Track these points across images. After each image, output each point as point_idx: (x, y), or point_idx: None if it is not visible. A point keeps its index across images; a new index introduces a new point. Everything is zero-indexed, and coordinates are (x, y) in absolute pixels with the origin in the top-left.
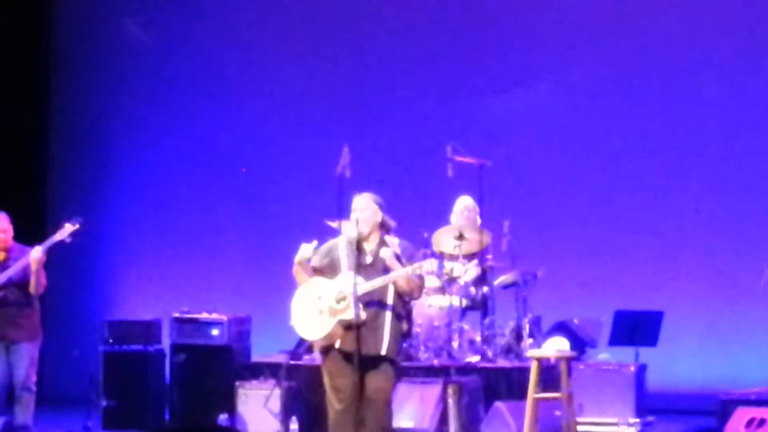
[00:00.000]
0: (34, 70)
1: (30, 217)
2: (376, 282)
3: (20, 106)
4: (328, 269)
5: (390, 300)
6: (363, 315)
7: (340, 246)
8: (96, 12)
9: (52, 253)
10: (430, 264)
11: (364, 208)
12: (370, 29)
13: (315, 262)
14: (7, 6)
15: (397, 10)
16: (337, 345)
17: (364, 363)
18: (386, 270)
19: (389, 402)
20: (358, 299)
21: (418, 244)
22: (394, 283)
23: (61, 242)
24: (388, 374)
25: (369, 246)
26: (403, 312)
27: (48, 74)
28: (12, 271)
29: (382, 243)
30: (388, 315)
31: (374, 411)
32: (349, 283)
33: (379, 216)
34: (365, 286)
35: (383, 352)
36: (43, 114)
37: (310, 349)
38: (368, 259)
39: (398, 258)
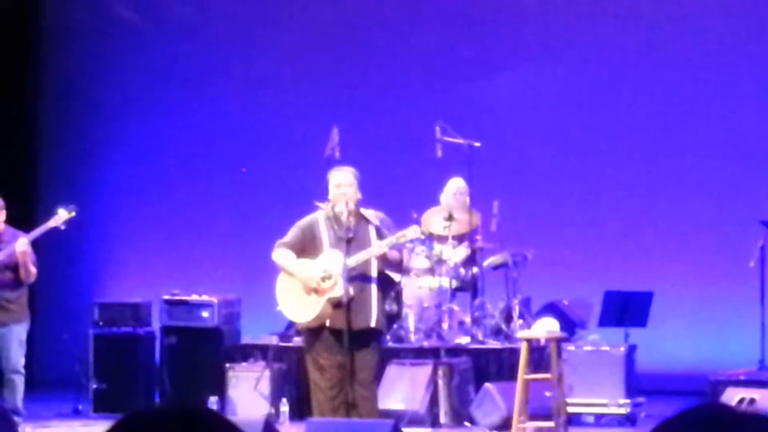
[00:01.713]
0: (22, 53)
1: (19, 200)
2: (361, 255)
3: (9, 89)
4: (311, 245)
5: (373, 273)
6: (351, 291)
7: (320, 223)
8: None
9: (42, 236)
10: (414, 231)
11: (350, 183)
12: (359, 11)
13: (296, 238)
14: None
15: None
16: (327, 324)
17: (354, 339)
18: (368, 244)
19: (374, 381)
20: (344, 274)
21: (407, 225)
22: (377, 258)
23: (56, 229)
24: (377, 351)
25: (347, 220)
26: (391, 291)
27: (36, 57)
28: (2, 255)
29: (361, 217)
30: (373, 288)
31: (366, 392)
32: (334, 261)
33: (358, 191)
34: (351, 260)
35: (372, 324)
36: (32, 97)
37: (299, 331)
38: (348, 234)
39: (378, 231)
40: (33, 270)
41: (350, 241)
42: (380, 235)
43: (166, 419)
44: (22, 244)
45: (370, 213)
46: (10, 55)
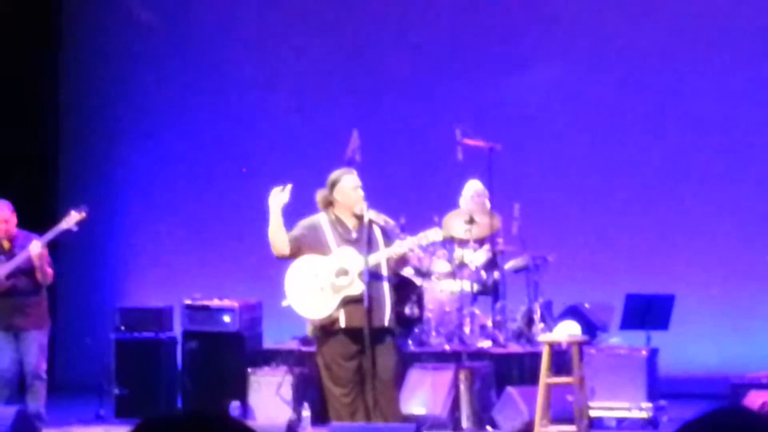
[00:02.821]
0: (41, 59)
1: (40, 205)
2: (382, 254)
3: (30, 95)
4: (316, 245)
5: (386, 272)
6: (364, 288)
7: (323, 224)
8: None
9: (63, 240)
10: (435, 233)
11: (360, 185)
12: (378, 13)
13: (298, 233)
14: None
15: None
16: (343, 324)
17: (372, 336)
18: (371, 244)
19: (398, 382)
20: (365, 273)
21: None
22: (395, 257)
23: (69, 231)
24: (394, 350)
25: (351, 222)
26: (412, 295)
27: (56, 62)
28: (19, 260)
29: (362, 218)
30: (386, 286)
31: (387, 393)
32: (351, 259)
33: None
34: (371, 259)
35: (386, 324)
36: (52, 102)
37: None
38: (353, 235)
39: (384, 231)
40: (49, 271)
41: (354, 242)
42: (386, 236)
43: (181, 426)
44: (36, 246)
45: (370, 214)
46: (30, 65)
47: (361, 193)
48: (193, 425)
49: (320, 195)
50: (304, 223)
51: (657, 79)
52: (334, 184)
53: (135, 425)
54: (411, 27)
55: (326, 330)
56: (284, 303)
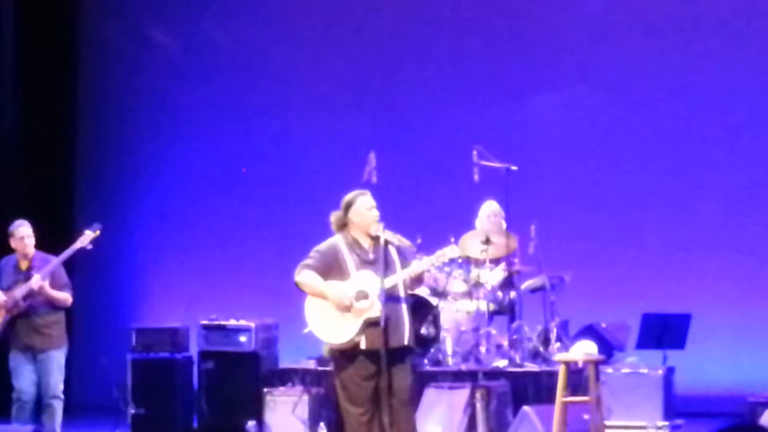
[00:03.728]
0: (58, 76)
1: (55, 224)
2: (400, 275)
3: (45, 113)
4: (335, 268)
5: (402, 292)
6: (383, 309)
7: (341, 246)
8: (120, 15)
9: (79, 260)
10: (452, 250)
11: (374, 206)
12: (395, 33)
13: (319, 261)
14: (30, 16)
15: (423, 13)
16: (363, 345)
17: (389, 358)
18: (387, 265)
19: (413, 402)
20: (382, 295)
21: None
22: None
23: (83, 250)
24: (410, 369)
25: (366, 243)
26: (429, 314)
27: (73, 79)
28: (25, 288)
29: (378, 238)
30: (404, 306)
31: (404, 412)
32: (369, 281)
33: None
34: (389, 280)
35: (406, 342)
36: (68, 121)
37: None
38: (371, 256)
39: (399, 251)
40: (60, 297)
41: (371, 263)
42: (402, 256)
43: None
44: (36, 280)
45: (384, 234)
46: (47, 81)
47: (376, 213)
48: None
49: (335, 217)
50: (321, 249)
51: (670, 103)
52: (348, 206)
53: None
54: (428, 49)
55: (346, 352)
56: (305, 330)
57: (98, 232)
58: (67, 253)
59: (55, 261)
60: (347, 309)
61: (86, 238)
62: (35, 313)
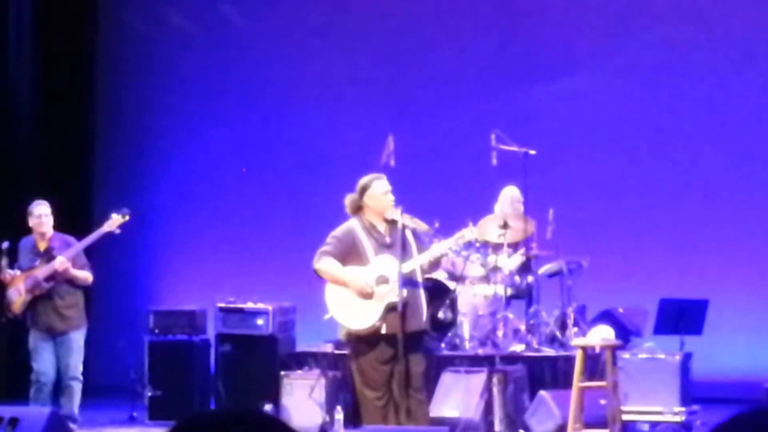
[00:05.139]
0: (80, 62)
1: (76, 207)
2: (420, 258)
3: (67, 97)
4: (353, 253)
5: (419, 276)
6: (404, 294)
7: (358, 230)
8: (141, 5)
9: (97, 242)
10: (470, 231)
11: (390, 190)
12: (413, 19)
13: (337, 248)
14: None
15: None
16: (384, 330)
17: (406, 342)
18: (405, 248)
19: (428, 386)
20: (400, 279)
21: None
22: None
23: (111, 234)
24: (426, 353)
25: (382, 226)
26: (446, 299)
27: (94, 65)
28: (48, 270)
29: (394, 222)
30: (421, 290)
31: (420, 396)
32: (389, 266)
33: None
34: (408, 264)
35: (423, 326)
36: (89, 105)
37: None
38: (387, 240)
39: (415, 234)
40: (81, 276)
41: (389, 247)
42: (418, 239)
43: (227, 421)
44: (60, 262)
45: (398, 216)
46: (69, 68)
47: (391, 197)
48: (237, 422)
49: (349, 200)
50: (338, 234)
51: (691, 84)
52: (364, 190)
53: (181, 420)
54: (447, 34)
55: (365, 337)
56: (326, 317)
57: (126, 217)
58: (93, 236)
59: (81, 243)
60: (369, 296)
61: (114, 222)
62: (57, 294)
